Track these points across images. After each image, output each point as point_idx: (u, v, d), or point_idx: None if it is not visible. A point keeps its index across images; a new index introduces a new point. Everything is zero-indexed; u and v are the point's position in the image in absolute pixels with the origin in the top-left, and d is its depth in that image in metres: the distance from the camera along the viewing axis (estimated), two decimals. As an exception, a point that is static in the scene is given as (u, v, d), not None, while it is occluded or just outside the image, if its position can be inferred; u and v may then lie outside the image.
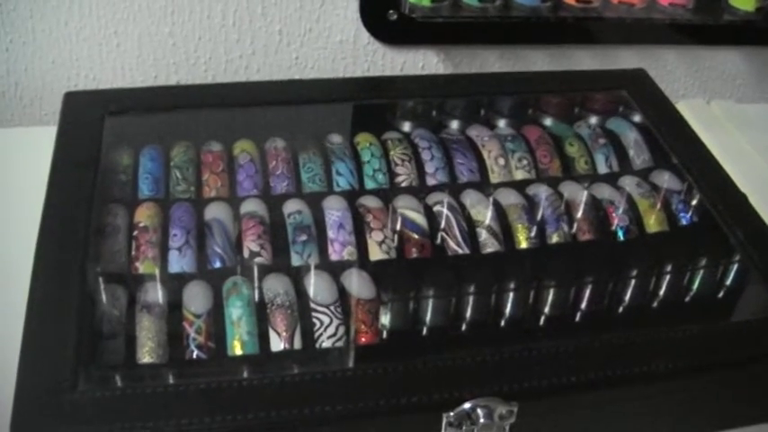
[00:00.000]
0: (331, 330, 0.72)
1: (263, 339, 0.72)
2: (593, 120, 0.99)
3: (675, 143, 0.94)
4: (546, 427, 0.70)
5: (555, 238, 0.84)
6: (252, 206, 0.82)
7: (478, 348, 0.70)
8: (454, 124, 0.97)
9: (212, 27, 1.01)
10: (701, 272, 0.84)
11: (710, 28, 1.13)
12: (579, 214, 0.86)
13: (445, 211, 0.83)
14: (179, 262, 0.77)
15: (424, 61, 1.10)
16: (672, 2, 1.05)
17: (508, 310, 0.79)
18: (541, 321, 0.78)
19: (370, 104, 0.99)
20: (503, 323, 0.78)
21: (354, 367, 0.71)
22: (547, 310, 0.79)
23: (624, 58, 1.14)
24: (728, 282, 0.83)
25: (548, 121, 0.98)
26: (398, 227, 0.82)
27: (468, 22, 1.04)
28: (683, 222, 0.87)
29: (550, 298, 0.80)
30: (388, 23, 1.05)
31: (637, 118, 0.98)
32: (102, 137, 0.85)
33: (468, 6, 1.02)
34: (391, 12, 1.03)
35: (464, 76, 1.10)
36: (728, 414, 0.76)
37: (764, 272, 0.79)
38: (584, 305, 0.80)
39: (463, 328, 0.77)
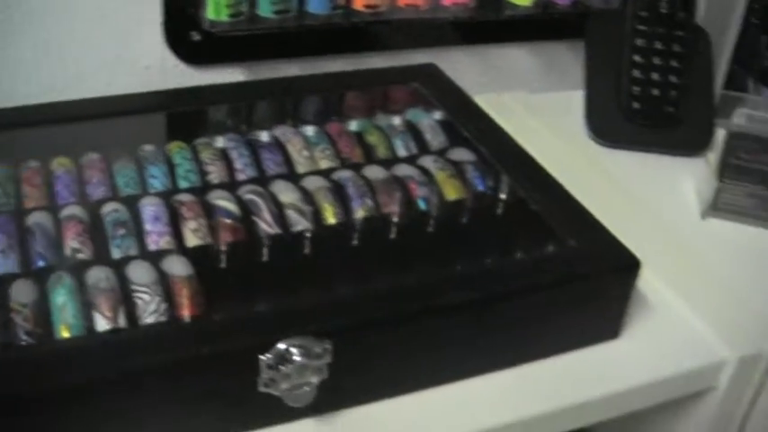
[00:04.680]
0: (153, 307, 0.76)
1: (90, 323, 0.76)
2: (391, 112, 1.06)
3: (467, 122, 1.02)
4: (364, 365, 0.75)
5: (361, 213, 0.90)
6: (71, 210, 0.86)
7: (291, 295, 0.75)
8: (260, 126, 1.02)
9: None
10: (495, 221, 0.93)
11: (496, 26, 1.21)
12: (382, 191, 0.92)
13: (255, 197, 0.88)
14: (3, 264, 0.80)
15: (231, 79, 1.15)
16: (454, 1, 1.12)
17: (317, 270, 0.85)
18: (348, 271, 0.84)
19: (178, 114, 1.04)
20: (313, 276, 0.84)
21: (171, 322, 0.75)
22: (354, 264, 0.85)
23: (418, 61, 1.20)
24: (519, 225, 0.92)
25: (348, 117, 1.04)
26: (212, 215, 0.86)
27: (268, 34, 1.09)
28: (480, 188, 0.94)
29: (357, 257, 0.86)
30: (192, 45, 1.10)
31: (430, 107, 1.05)
32: None
33: (264, 19, 1.07)
34: (194, 33, 1.08)
35: (267, 81, 1.15)
36: (528, 343, 0.83)
37: (546, 215, 0.89)
38: (390, 260, 0.86)
39: (278, 290, 0.82)
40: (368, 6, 1.10)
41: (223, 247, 0.85)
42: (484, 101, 1.17)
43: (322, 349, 0.70)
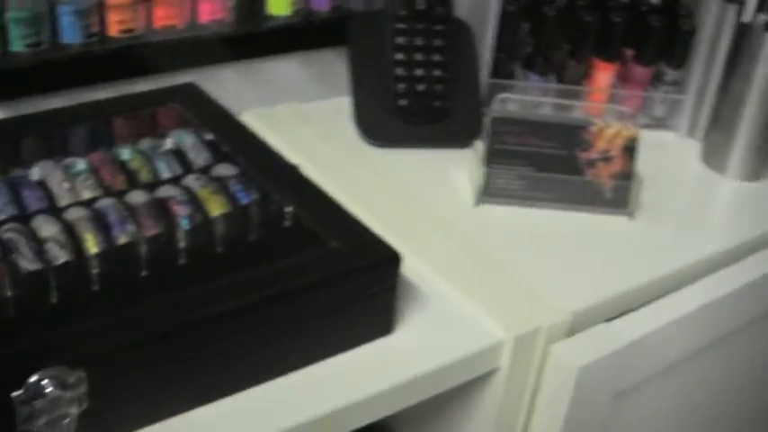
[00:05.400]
0: None
1: None
2: (154, 135, 1.05)
3: (228, 138, 1.02)
4: (127, 391, 0.75)
5: (123, 239, 0.89)
6: None
7: (51, 329, 0.74)
8: (19, 163, 1.00)
9: None
10: (260, 232, 0.94)
11: (260, 39, 1.21)
12: (143, 215, 0.91)
13: (13, 235, 0.87)
14: None
15: (-8, 119, 1.12)
16: (212, 18, 1.12)
17: (79, 301, 0.84)
18: (109, 298, 0.84)
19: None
20: (74, 307, 0.83)
21: None
22: (116, 291, 0.85)
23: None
24: (284, 233, 0.94)
25: (110, 145, 1.03)
26: (-32, 258, 0.85)
27: (22, 69, 1.07)
28: (244, 201, 0.94)
29: (119, 283, 0.86)
30: (-56, 87, 1.07)
31: (192, 126, 1.05)
32: None
33: (16, 54, 1.05)
34: (-56, 72, 1.06)
35: (25, 117, 1.10)
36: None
37: (309, 220, 0.91)
38: (153, 281, 0.86)
39: (39, 325, 0.80)
40: (123, 31, 1.09)
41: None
42: (255, 116, 1.18)
43: (76, 378, 0.70)
